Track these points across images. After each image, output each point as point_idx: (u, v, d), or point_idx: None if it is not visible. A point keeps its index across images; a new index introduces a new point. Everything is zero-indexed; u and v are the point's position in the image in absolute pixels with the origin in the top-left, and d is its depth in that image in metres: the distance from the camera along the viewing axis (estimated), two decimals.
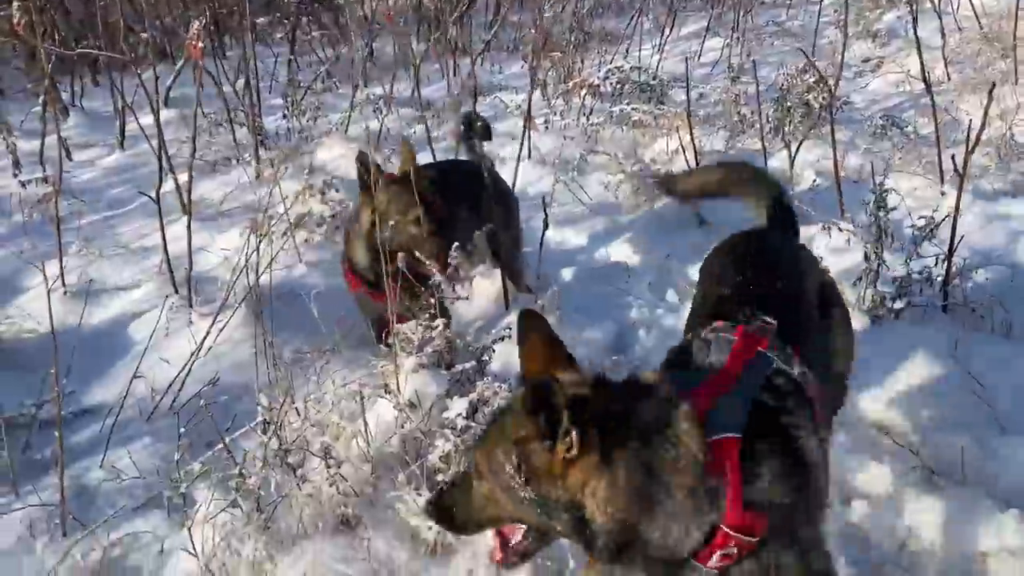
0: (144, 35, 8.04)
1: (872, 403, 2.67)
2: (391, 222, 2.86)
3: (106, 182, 6.23)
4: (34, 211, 5.28)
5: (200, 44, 3.27)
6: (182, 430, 2.22)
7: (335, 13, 10.30)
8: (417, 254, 2.81)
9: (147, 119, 6.13)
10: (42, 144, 6.07)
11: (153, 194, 4.09)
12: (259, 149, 5.78)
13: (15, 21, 3.99)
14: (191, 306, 3.72)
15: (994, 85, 3.05)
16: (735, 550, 1.54)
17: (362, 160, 2.93)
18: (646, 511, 1.48)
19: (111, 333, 3.81)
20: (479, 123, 3.75)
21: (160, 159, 4.57)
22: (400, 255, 2.82)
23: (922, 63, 3.79)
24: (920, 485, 2.33)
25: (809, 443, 1.61)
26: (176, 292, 3.89)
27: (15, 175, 5.38)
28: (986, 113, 2.93)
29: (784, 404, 1.64)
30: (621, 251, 4.30)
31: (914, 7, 5.33)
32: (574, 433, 1.42)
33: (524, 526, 1.63)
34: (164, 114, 7.11)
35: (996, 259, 3.23)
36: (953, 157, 2.99)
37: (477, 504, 1.62)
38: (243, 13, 6.07)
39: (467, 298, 3.53)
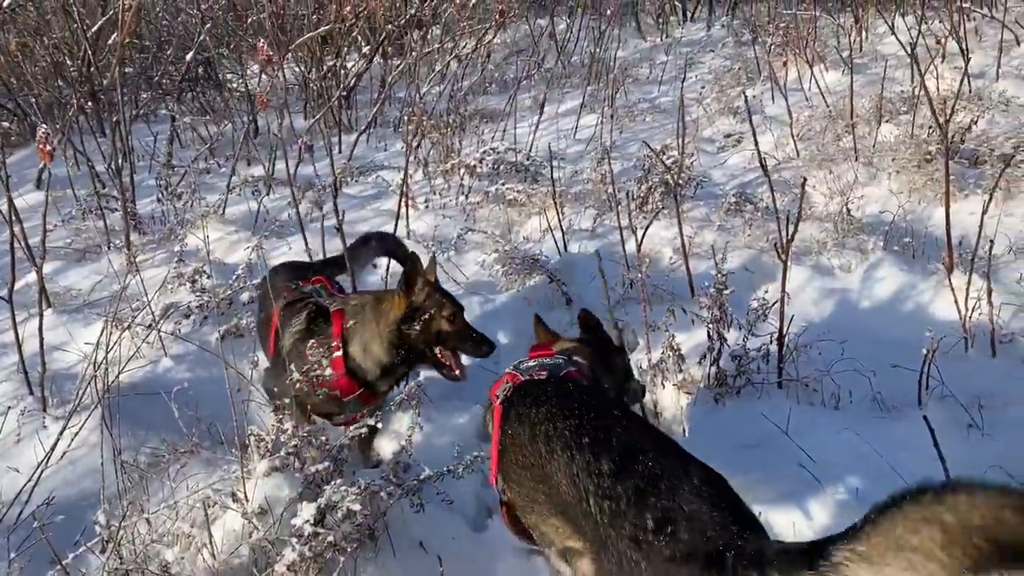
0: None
1: None
2: (425, 317, 3.09)
3: None
4: None
5: (49, 148, 3.24)
6: (12, 555, 2.14)
7: (219, 90, 10.29)
8: (438, 351, 3.13)
9: (17, 202, 5.97)
10: None
11: (5, 292, 3.96)
12: (131, 235, 5.66)
13: None
14: (44, 409, 3.59)
15: (804, 180, 3.33)
16: None
17: (414, 260, 3.15)
18: None
19: None
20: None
21: (12, 248, 4.42)
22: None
23: (758, 148, 4.07)
24: None
25: None
26: (31, 394, 3.75)
27: None
28: (800, 208, 3.20)
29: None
30: (494, 330, 4.39)
31: (745, 94, 5.74)
32: None
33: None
34: (34, 197, 6.95)
35: (829, 333, 3.45)
36: (776, 246, 3.22)
37: None
38: (119, 92, 5.97)
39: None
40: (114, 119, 6.45)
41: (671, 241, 4.73)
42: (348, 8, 7.13)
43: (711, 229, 4.84)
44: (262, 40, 4.99)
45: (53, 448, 3.01)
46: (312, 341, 3.17)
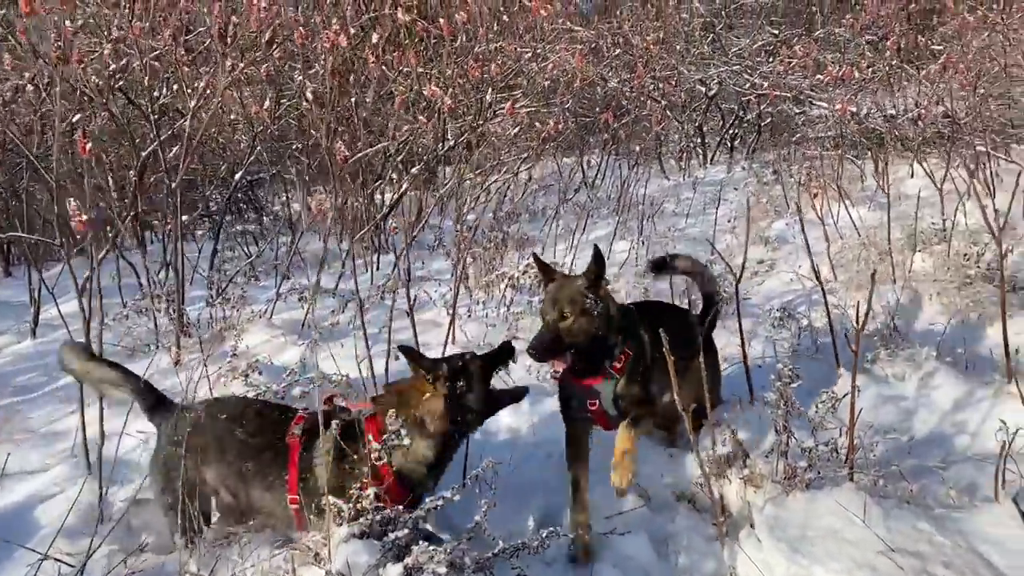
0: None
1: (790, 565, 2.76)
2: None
3: (15, 369, 6.07)
4: None
5: (83, 218, 3.44)
6: None
7: (260, 213, 10.68)
8: None
9: (64, 307, 6.15)
10: None
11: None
12: (180, 335, 5.77)
13: None
14: (101, 490, 3.59)
15: (874, 273, 3.44)
16: None
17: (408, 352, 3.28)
18: None
19: (16, 518, 3.63)
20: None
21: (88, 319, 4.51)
22: None
23: (812, 263, 4.18)
24: None
25: None
26: (90, 473, 3.76)
27: None
28: (870, 298, 3.28)
29: None
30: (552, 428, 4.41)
31: (801, 218, 5.97)
32: None
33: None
34: (73, 305, 7.13)
35: (893, 433, 3.47)
36: (845, 334, 3.29)
37: (567, 334, 3.23)
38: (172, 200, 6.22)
39: None
40: (167, 227, 6.73)
41: (721, 349, 4.79)
42: (397, 132, 7.51)
43: (758, 340, 4.92)
44: (320, 191, 5.35)
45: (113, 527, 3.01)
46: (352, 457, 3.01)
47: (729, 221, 9.25)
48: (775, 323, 5.12)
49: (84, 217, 4.23)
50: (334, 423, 2.93)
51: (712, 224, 8.29)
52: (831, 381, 4.14)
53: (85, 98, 6.53)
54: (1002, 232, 3.88)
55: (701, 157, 14.41)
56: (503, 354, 3.39)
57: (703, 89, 13.52)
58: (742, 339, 4.02)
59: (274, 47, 6.06)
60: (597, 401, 3.42)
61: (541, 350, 3.22)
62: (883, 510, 2.90)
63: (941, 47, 10.02)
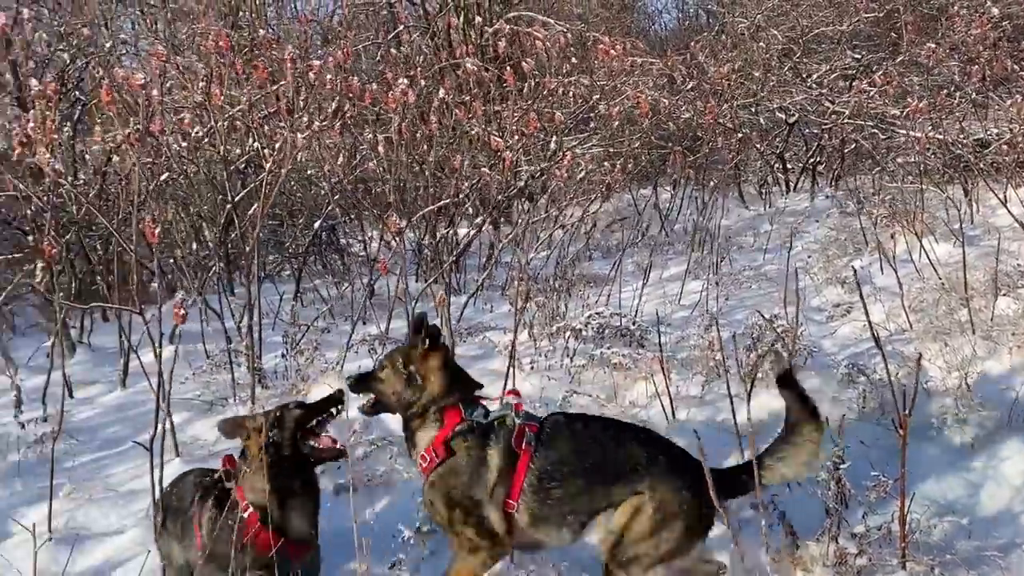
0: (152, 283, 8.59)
1: None
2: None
3: (104, 420, 6.40)
4: (30, 451, 5.45)
5: (183, 311, 3.66)
6: None
7: (341, 255, 10.99)
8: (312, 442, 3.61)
9: (150, 357, 6.45)
10: (47, 382, 6.30)
11: (147, 438, 4.25)
12: (255, 388, 6.00)
13: (37, 280, 4.38)
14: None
15: (920, 357, 3.31)
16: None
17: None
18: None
19: None
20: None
21: (158, 402, 4.77)
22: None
23: (869, 321, 4.05)
24: None
25: None
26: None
27: (15, 416, 5.59)
28: (916, 385, 3.15)
29: None
30: None
31: (854, 267, 5.75)
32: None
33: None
34: (168, 351, 7.46)
35: (953, 513, 3.31)
36: (894, 421, 3.17)
37: (377, 383, 3.48)
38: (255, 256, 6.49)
39: None
40: (248, 281, 7.02)
41: (782, 413, 4.67)
42: (465, 184, 7.65)
43: (824, 400, 4.76)
44: (394, 214, 5.44)
45: None
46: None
47: (808, 257, 9.03)
48: (842, 379, 4.97)
49: (183, 312, 4.77)
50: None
51: (792, 260, 8.09)
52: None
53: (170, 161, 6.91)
54: None
55: (783, 185, 14.10)
56: (327, 403, 3.64)
57: (783, 116, 13.26)
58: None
59: (340, 115, 6.28)
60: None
61: (356, 381, 3.63)
62: None
63: None
